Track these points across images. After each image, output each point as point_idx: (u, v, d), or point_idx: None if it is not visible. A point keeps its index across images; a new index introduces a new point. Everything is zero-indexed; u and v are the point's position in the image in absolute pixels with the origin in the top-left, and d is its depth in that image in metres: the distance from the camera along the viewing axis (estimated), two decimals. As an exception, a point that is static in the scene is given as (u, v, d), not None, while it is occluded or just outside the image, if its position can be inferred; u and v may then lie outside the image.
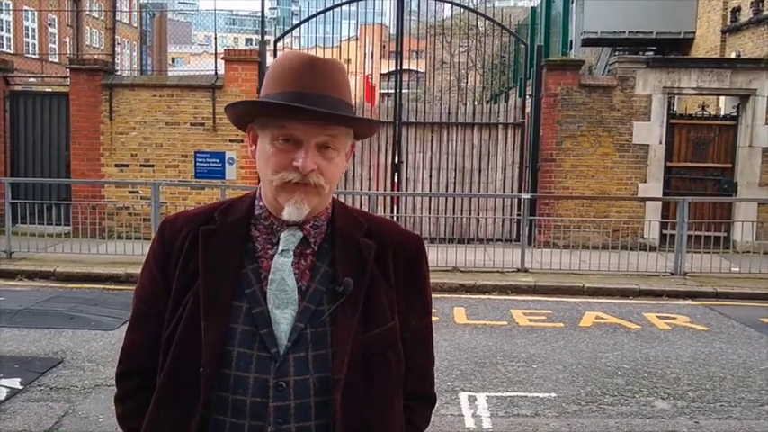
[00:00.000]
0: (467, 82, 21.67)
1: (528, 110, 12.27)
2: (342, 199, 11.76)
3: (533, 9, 15.21)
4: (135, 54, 36.23)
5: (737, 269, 9.97)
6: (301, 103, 1.32)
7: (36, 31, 30.68)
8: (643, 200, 11.67)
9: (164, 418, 1.39)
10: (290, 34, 13.02)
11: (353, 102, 1.42)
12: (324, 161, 1.37)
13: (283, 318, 1.36)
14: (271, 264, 1.40)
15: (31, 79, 19.63)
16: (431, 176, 12.21)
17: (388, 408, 1.44)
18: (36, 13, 29.76)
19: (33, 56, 29.52)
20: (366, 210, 11.34)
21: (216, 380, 1.34)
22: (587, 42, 18.38)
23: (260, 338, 1.35)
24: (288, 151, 1.35)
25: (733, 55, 16.04)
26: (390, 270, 1.46)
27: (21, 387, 5.22)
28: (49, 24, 31.48)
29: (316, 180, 1.36)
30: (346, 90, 1.40)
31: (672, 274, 9.81)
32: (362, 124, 1.48)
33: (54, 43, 31.75)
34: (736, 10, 16.65)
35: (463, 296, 8.81)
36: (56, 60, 30.10)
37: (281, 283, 1.38)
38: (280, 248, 1.40)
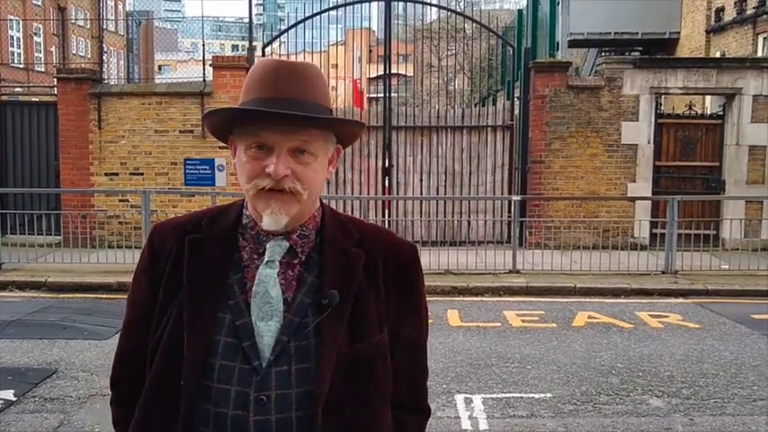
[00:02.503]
0: (455, 85, 21.75)
1: (516, 112, 12.31)
2: (333, 204, 11.68)
3: (520, 11, 15.31)
4: (122, 62, 36.10)
5: (727, 266, 10.04)
6: (272, 108, 1.29)
7: (21, 40, 30.54)
8: (632, 199, 11.74)
9: (146, 429, 1.38)
10: (277, 39, 13.03)
11: (336, 106, 1.39)
12: (299, 166, 1.34)
13: (267, 330, 1.34)
14: (256, 274, 1.38)
15: (18, 89, 19.55)
16: (421, 180, 12.24)
17: (375, 422, 1.40)
18: (21, 22, 29.62)
19: (19, 65, 29.38)
20: (358, 214, 11.35)
21: (198, 392, 1.32)
22: (574, 44, 18.47)
23: (243, 351, 1.33)
24: (260, 158, 1.33)
25: (717, 54, 16.18)
26: (380, 279, 1.42)
27: (14, 399, 5.18)
28: (35, 33, 31.35)
29: (291, 186, 1.33)
30: (322, 93, 1.37)
31: (663, 272, 9.87)
32: (334, 126, 1.40)
33: (40, 52, 31.62)
34: (720, 10, 16.80)
35: (456, 298, 8.82)
36: (42, 70, 29.97)
37: (264, 295, 1.35)
38: (265, 259, 1.37)
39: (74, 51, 33.52)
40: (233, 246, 1.40)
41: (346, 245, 1.42)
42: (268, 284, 1.35)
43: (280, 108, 1.29)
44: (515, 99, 12.58)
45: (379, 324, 1.39)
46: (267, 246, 1.38)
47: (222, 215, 1.45)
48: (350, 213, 12.36)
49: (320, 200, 1.48)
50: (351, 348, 1.35)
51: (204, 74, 12.36)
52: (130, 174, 11.90)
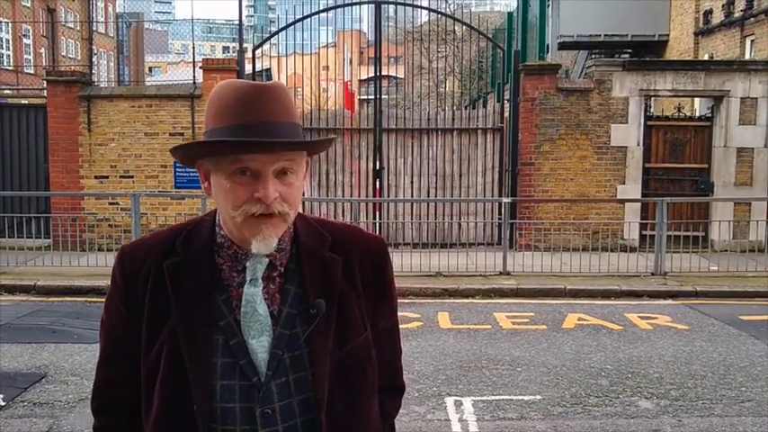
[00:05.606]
0: (445, 87, 21.78)
1: (506, 114, 12.35)
2: (324, 206, 11.61)
3: (510, 14, 15.35)
4: (112, 64, 35.97)
5: (716, 268, 10.10)
6: (252, 134, 1.29)
7: (10, 42, 30.37)
8: (622, 201, 11.79)
9: None
10: (268, 41, 13.02)
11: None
12: (284, 187, 1.34)
13: (260, 346, 1.37)
14: (240, 292, 1.38)
15: (7, 91, 19.44)
16: (412, 182, 12.26)
17: (368, 415, 1.48)
18: (10, 23, 29.47)
19: (8, 67, 29.23)
20: (348, 216, 11.32)
21: (210, 415, 1.36)
22: (564, 46, 18.54)
23: (240, 368, 1.36)
24: (246, 184, 1.32)
25: (706, 57, 16.29)
26: (358, 280, 1.47)
27: (3, 403, 5.16)
28: (24, 35, 31.19)
29: (280, 208, 1.33)
30: (292, 110, 1.37)
31: (652, 274, 9.91)
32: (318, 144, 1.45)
33: (29, 54, 31.46)
34: (708, 12, 16.91)
35: (447, 301, 8.84)
36: (31, 72, 29.82)
37: (254, 314, 1.37)
38: (248, 278, 1.38)
39: (63, 53, 33.36)
40: (211, 266, 1.40)
41: (322, 251, 1.45)
42: (255, 303, 1.37)
43: (260, 133, 1.29)
44: (505, 101, 12.61)
45: (362, 324, 1.46)
46: (247, 264, 1.39)
47: (194, 234, 1.43)
48: (341, 216, 12.21)
49: None
50: (340, 352, 1.41)
51: (194, 76, 12.34)
52: (120, 177, 11.86)
